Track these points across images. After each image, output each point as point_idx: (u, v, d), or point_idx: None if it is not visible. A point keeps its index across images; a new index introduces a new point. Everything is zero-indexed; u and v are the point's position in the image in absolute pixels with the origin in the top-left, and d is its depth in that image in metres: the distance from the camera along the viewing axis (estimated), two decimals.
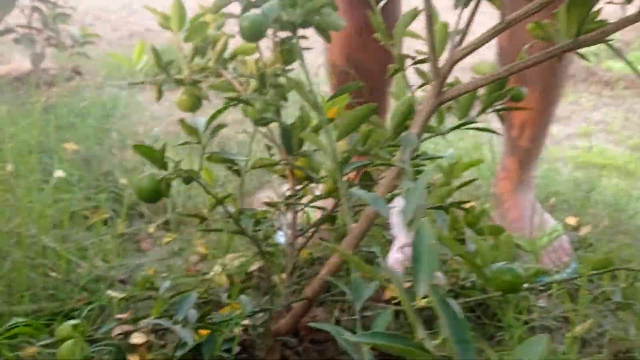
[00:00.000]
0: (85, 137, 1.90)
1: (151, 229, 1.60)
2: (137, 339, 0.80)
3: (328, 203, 0.84)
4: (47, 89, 2.68)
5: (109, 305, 1.00)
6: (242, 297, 0.81)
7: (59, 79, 2.65)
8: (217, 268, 0.99)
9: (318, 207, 0.85)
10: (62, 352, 0.77)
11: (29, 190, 1.49)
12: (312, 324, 0.56)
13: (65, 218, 1.42)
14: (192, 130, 0.77)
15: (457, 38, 0.61)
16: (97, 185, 1.63)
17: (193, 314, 0.75)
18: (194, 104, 0.85)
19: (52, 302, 1.01)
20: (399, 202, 0.48)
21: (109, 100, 2.31)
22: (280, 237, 0.91)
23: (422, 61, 0.73)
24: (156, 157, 0.73)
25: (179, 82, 0.82)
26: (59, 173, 1.54)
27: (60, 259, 1.16)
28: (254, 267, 1.07)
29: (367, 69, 1.17)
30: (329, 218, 0.83)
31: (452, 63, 0.59)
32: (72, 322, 0.82)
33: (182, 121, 0.77)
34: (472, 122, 0.74)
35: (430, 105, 0.61)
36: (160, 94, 0.87)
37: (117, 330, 0.84)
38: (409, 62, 0.74)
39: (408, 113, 0.67)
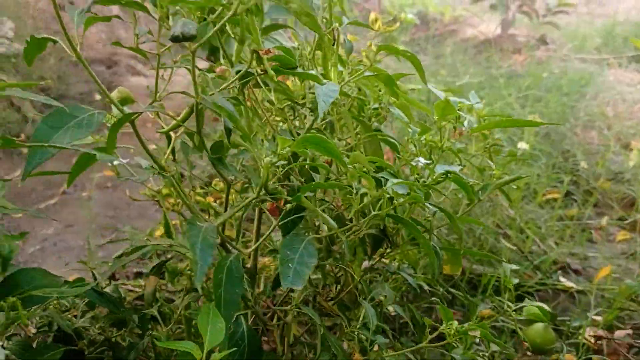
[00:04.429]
0: (550, 111, 1.88)
1: (604, 222, 1.51)
2: None
3: None
4: (511, 55, 2.75)
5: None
6: None
7: (525, 46, 2.67)
8: None
9: None
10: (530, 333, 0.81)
11: None
12: None
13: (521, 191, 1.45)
14: None
15: None
16: (554, 163, 1.60)
17: None
18: None
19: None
20: None
21: (575, 74, 2.21)
22: None
23: None
24: None
25: None
26: (523, 145, 1.57)
27: (521, 232, 1.18)
28: None
29: None
30: None
31: None
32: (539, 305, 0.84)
33: None
34: None
35: None
36: None
37: (590, 332, 0.81)
38: None
39: None
